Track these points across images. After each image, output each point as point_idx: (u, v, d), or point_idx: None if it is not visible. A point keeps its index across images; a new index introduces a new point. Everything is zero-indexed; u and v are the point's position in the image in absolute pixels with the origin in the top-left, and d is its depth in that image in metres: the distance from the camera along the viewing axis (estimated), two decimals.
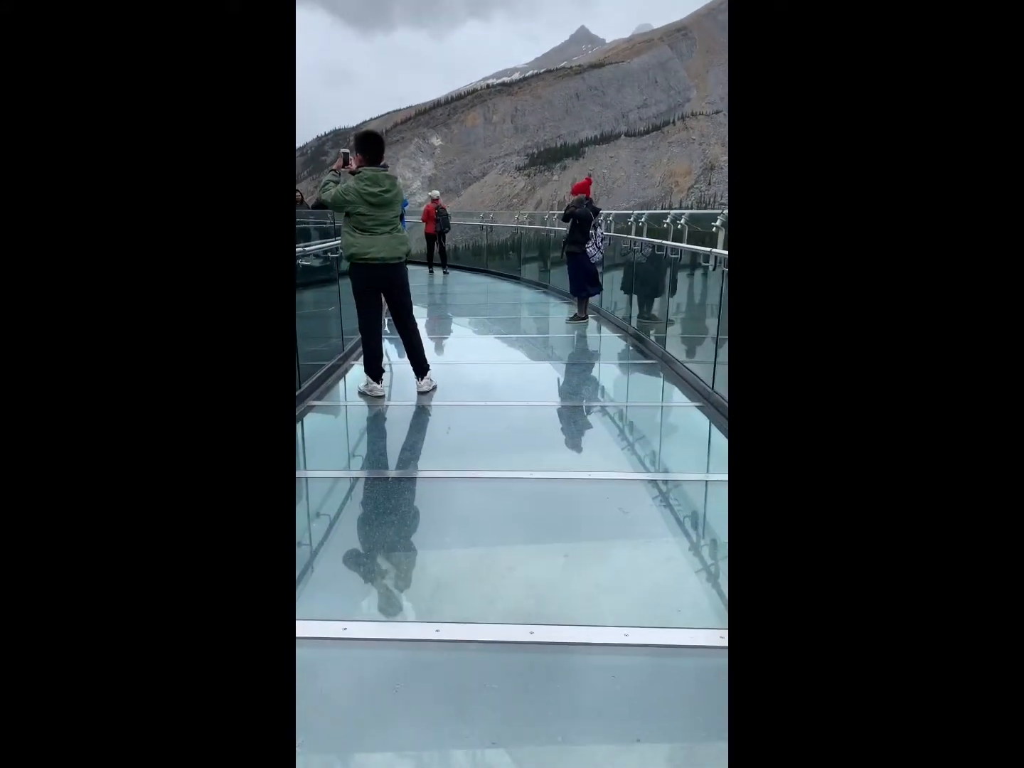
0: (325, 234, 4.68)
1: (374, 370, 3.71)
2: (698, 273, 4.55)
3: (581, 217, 5.96)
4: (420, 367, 3.78)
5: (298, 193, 5.50)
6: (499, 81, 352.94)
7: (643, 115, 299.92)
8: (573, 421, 3.50)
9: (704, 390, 3.60)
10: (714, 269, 3.77)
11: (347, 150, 3.58)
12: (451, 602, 1.76)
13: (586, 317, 6.27)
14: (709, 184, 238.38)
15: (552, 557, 1.99)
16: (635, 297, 5.90)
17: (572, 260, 6.12)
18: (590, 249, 5.99)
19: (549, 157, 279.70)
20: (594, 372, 4.74)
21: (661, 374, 4.34)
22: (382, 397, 3.73)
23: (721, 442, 3.00)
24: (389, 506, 2.34)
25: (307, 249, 3.90)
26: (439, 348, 5.47)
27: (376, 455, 3.03)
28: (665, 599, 1.76)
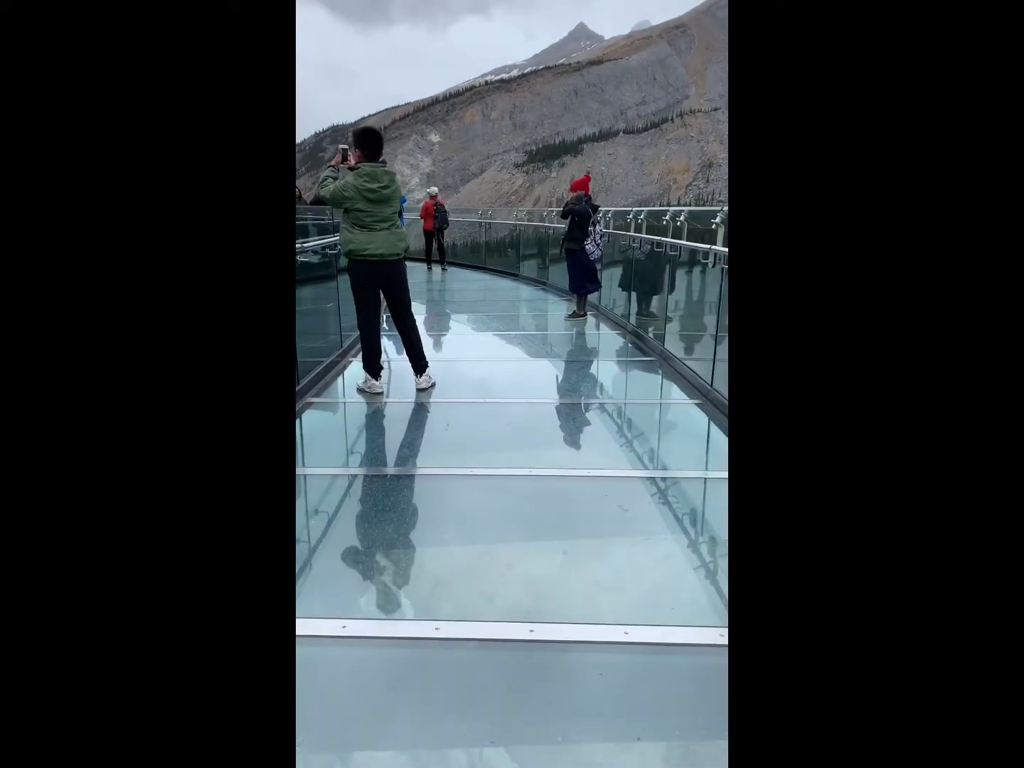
0: (323, 230, 4.67)
1: (373, 367, 3.71)
2: (697, 270, 4.55)
3: (580, 214, 5.94)
4: (419, 364, 3.78)
5: (296, 189, 5.49)
6: (498, 78, 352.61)
7: (642, 112, 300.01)
8: (572, 418, 3.50)
9: (703, 387, 3.60)
10: (713, 266, 3.77)
11: (346, 146, 3.57)
12: (450, 600, 1.76)
13: (585, 314, 6.27)
14: (707, 181, 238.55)
15: (551, 555, 1.98)
16: (634, 294, 5.90)
17: (571, 257, 6.12)
18: (589, 246, 5.99)
19: (548, 154, 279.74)
20: (593, 369, 4.74)
21: (660, 371, 4.34)
22: (381, 394, 3.73)
23: (720, 439, 3.01)
24: (388, 503, 2.33)
25: (305, 245, 3.89)
26: (438, 345, 5.46)
27: (375, 452, 3.03)
28: (664, 597, 1.76)
